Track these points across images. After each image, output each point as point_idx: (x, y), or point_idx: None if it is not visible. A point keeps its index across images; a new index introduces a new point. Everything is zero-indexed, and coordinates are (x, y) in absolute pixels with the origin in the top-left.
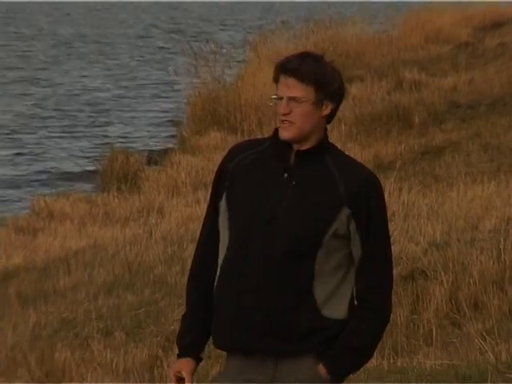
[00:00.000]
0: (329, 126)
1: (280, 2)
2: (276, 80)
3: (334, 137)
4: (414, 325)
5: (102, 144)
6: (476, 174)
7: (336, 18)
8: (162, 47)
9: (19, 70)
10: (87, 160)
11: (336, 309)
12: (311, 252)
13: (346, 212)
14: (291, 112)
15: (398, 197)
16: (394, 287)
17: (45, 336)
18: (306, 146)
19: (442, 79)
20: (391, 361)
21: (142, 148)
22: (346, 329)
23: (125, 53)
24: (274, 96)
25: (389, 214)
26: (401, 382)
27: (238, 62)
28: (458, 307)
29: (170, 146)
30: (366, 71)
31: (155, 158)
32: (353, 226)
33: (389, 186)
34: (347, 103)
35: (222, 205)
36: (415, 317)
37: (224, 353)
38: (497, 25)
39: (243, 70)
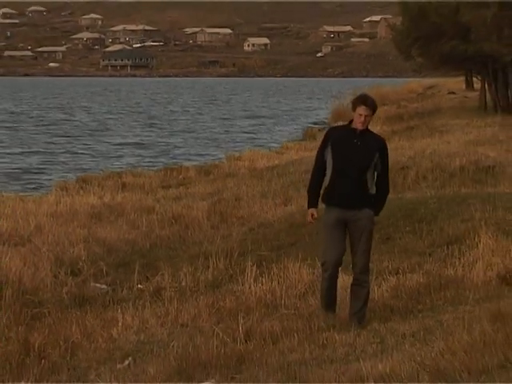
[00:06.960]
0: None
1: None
2: (358, 105)
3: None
4: (460, 175)
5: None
6: (422, 135)
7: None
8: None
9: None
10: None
11: (372, 190)
12: (367, 170)
13: (377, 155)
14: (365, 120)
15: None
16: (446, 161)
17: None
18: (363, 130)
19: (414, 104)
20: (455, 189)
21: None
22: (375, 198)
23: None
24: (360, 113)
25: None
26: (458, 195)
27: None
28: (477, 172)
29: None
30: (390, 103)
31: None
32: (378, 160)
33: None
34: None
35: (328, 152)
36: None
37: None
38: (431, 86)
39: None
